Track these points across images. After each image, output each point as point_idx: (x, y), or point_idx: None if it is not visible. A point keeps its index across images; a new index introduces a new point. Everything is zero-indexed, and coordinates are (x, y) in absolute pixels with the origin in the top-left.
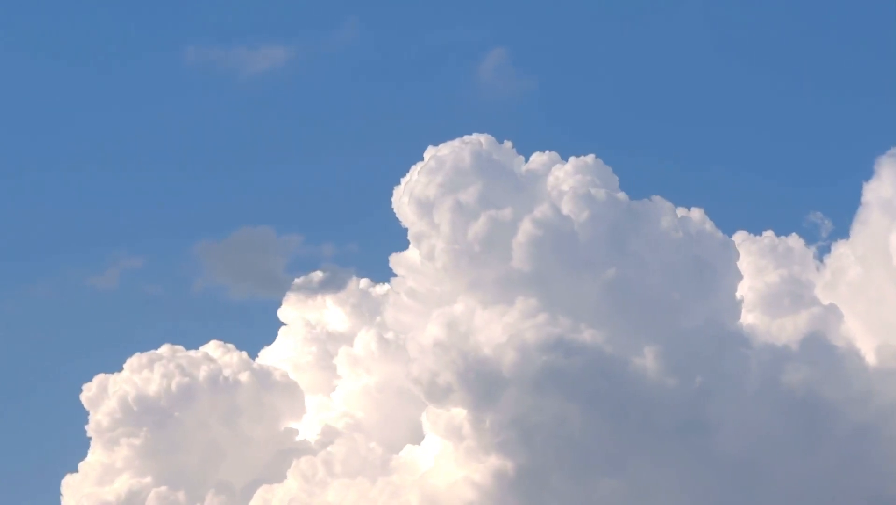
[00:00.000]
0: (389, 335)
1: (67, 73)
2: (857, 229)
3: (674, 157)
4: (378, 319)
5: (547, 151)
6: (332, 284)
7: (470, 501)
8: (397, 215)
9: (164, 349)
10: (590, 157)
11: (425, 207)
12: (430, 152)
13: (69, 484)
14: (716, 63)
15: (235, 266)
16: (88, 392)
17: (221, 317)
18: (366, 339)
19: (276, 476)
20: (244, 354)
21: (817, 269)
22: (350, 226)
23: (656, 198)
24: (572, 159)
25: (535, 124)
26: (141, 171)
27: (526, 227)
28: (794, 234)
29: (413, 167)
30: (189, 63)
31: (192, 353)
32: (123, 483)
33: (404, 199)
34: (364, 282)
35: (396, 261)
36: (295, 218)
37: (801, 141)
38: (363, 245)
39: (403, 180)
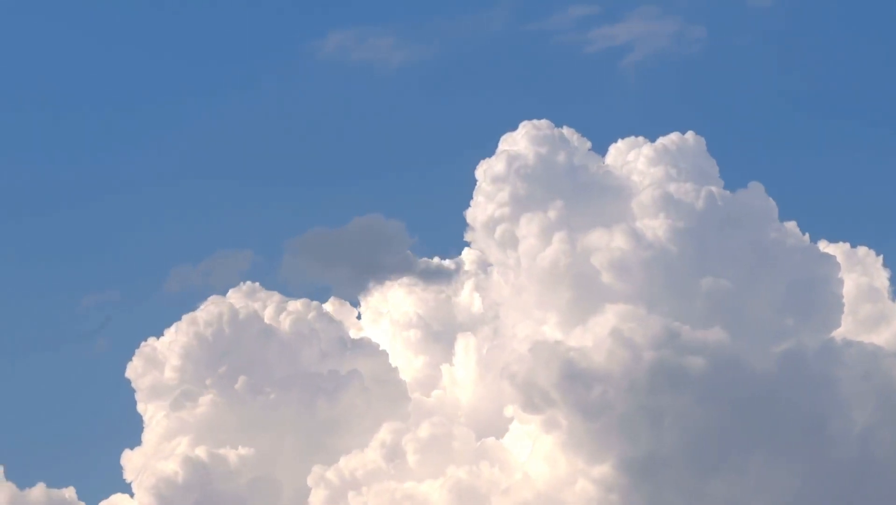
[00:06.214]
0: (488, 341)
1: (205, 61)
2: None
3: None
4: (480, 320)
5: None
6: (441, 281)
7: (589, 499)
8: (473, 247)
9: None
10: (689, 134)
11: (498, 232)
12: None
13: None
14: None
15: (348, 255)
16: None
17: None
18: (467, 339)
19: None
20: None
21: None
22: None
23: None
24: (663, 141)
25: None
26: (274, 159)
27: (617, 241)
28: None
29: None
30: (329, 49)
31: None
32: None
33: (477, 230)
34: (467, 277)
35: (484, 289)
36: (425, 214)
37: None
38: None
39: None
